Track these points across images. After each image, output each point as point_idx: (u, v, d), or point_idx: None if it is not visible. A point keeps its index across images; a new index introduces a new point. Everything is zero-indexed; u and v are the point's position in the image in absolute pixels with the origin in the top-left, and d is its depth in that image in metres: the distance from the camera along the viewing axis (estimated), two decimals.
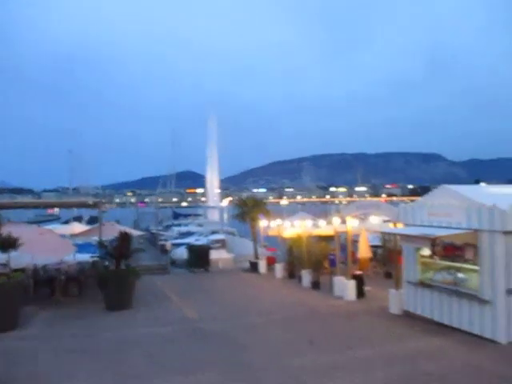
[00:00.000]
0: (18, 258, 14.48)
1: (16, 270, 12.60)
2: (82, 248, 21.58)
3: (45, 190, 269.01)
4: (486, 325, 9.36)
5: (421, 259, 11.51)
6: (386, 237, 19.82)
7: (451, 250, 13.49)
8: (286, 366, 8.05)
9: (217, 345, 9.57)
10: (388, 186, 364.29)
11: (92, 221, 35.77)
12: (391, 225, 12.89)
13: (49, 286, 15.43)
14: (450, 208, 10.26)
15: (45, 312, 13.40)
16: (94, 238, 20.77)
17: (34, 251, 13.68)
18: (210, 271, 22.82)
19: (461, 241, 10.43)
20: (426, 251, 11.34)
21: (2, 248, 11.54)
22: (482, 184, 15.19)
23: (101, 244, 15.52)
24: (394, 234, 12.45)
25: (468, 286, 9.96)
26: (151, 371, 7.92)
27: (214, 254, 24.35)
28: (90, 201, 18.11)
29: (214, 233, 32.60)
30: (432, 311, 10.93)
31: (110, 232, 17.60)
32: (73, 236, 21.12)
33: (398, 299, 12.09)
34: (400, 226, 12.06)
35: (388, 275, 18.06)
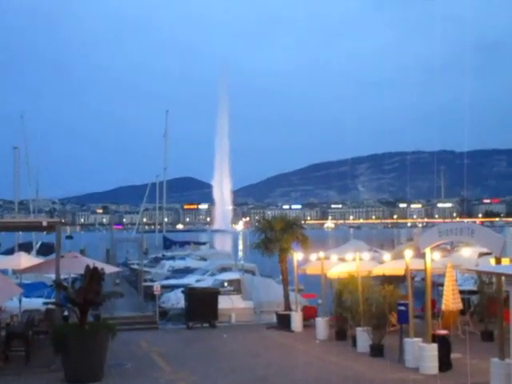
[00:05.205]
0: None
1: None
2: (30, 290, 21.89)
3: None
4: None
5: None
6: (484, 278, 19.55)
7: None
8: None
9: None
10: (487, 201, 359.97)
11: (45, 250, 36.25)
12: (492, 260, 12.71)
13: None
14: None
15: None
16: (49, 276, 21.03)
17: None
18: (218, 327, 22.83)
19: None
20: None
21: None
22: None
23: (58, 285, 15.70)
24: (497, 275, 12.26)
25: None
26: None
27: (225, 302, 24.35)
28: (44, 221, 18.38)
29: (223, 270, 32.65)
30: None
31: (72, 267, 17.81)
32: (18, 272, 21.46)
33: (504, 373, 11.86)
34: (506, 261, 11.89)
35: (487, 336, 17.83)
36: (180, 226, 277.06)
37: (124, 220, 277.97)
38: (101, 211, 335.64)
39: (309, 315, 22.48)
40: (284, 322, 22.53)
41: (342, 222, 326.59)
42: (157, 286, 24.88)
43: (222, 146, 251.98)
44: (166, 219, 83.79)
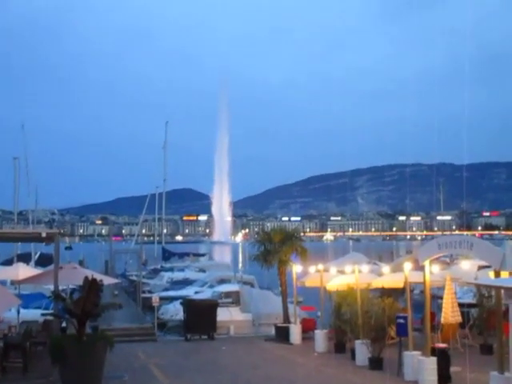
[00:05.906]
0: None
1: None
2: (28, 301, 21.87)
3: None
4: None
5: None
6: (483, 291, 19.54)
7: None
8: None
9: None
10: (486, 214, 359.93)
11: (44, 261, 36.15)
12: (491, 273, 12.71)
13: None
14: None
15: None
16: (47, 287, 21.00)
17: None
18: (217, 339, 22.79)
19: None
20: None
21: None
22: None
23: (57, 296, 15.68)
24: (497, 288, 12.23)
25: None
26: None
27: (223, 314, 24.32)
28: (43, 232, 18.41)
29: (222, 281, 32.63)
30: None
31: (71, 278, 17.83)
32: (16, 283, 21.44)
33: None
34: (505, 275, 11.89)
35: (486, 349, 17.84)
36: (179, 238, 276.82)
37: (123, 231, 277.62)
38: (100, 222, 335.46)
39: (308, 328, 22.43)
40: (283, 334, 22.48)
41: (341, 234, 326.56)
42: (155, 298, 24.86)
43: (222, 158, 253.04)
44: (165, 230, 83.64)
